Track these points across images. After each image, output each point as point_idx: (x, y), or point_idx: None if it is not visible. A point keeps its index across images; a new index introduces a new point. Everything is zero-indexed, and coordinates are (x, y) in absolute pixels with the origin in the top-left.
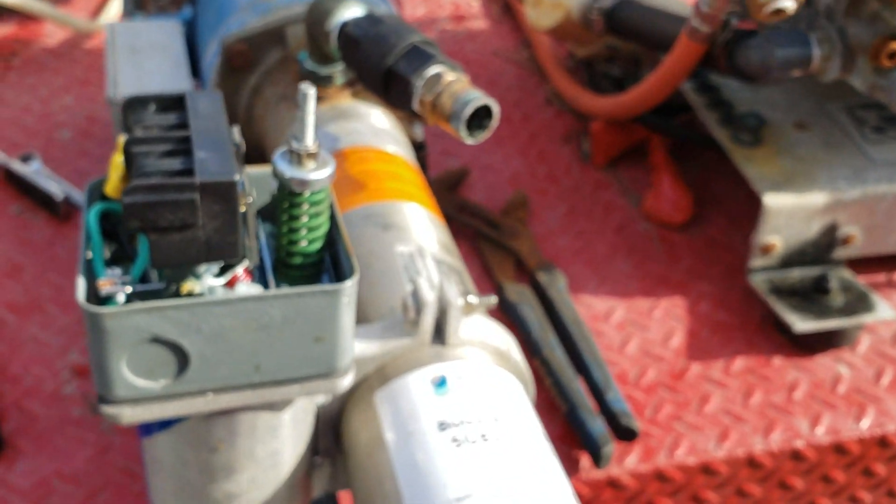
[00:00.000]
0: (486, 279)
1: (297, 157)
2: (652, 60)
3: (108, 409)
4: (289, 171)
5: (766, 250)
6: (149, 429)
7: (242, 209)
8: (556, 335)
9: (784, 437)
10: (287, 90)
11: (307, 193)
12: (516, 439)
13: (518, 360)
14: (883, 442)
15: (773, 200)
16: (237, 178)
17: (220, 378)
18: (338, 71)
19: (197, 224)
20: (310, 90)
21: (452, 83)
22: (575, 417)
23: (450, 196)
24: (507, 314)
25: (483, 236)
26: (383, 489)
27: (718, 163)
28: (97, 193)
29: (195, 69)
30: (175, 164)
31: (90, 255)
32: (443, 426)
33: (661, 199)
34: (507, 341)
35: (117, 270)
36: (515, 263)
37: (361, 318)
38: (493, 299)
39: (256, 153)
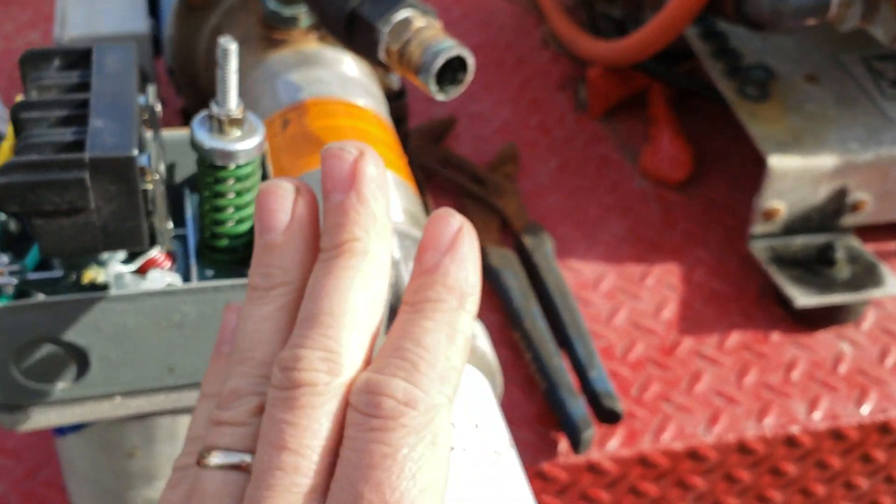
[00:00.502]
0: None
1: (217, 124)
2: (655, 2)
3: (1, 416)
4: (209, 140)
5: (768, 216)
6: (61, 428)
7: (149, 187)
8: (539, 305)
9: (778, 423)
10: (249, 32)
11: (232, 166)
12: (470, 445)
13: (484, 350)
14: (884, 428)
15: (779, 162)
16: (135, 153)
17: (128, 381)
18: (303, 12)
19: (89, 208)
20: (230, 45)
21: (422, 30)
22: (554, 397)
23: (433, 148)
24: (488, 280)
25: (467, 193)
26: None
27: (722, 116)
28: None
29: (153, 8)
30: (67, 134)
31: None
32: None
33: (659, 155)
34: None
35: (4, 258)
36: (501, 224)
37: None
38: None
39: None
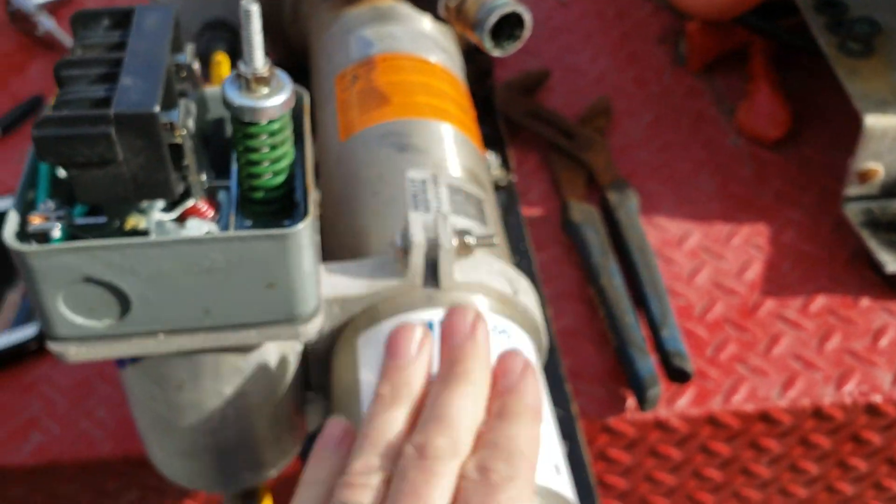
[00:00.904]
0: (554, 196)
1: (245, 83)
2: None
3: (54, 346)
4: (238, 98)
5: (864, 177)
6: (121, 360)
7: (178, 141)
8: (618, 262)
9: (860, 390)
10: None
11: (263, 122)
12: None
13: (527, 306)
14: None
15: (876, 122)
16: (157, 109)
17: (168, 320)
18: None
19: (117, 160)
20: (251, 6)
21: None
22: (624, 354)
23: (524, 101)
24: (569, 236)
25: (555, 147)
26: None
27: (828, 72)
28: None
29: None
30: (100, 91)
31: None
32: None
33: (755, 112)
34: (512, 285)
35: (51, 204)
36: (587, 179)
37: (363, 251)
38: (492, 238)
39: (305, 56)
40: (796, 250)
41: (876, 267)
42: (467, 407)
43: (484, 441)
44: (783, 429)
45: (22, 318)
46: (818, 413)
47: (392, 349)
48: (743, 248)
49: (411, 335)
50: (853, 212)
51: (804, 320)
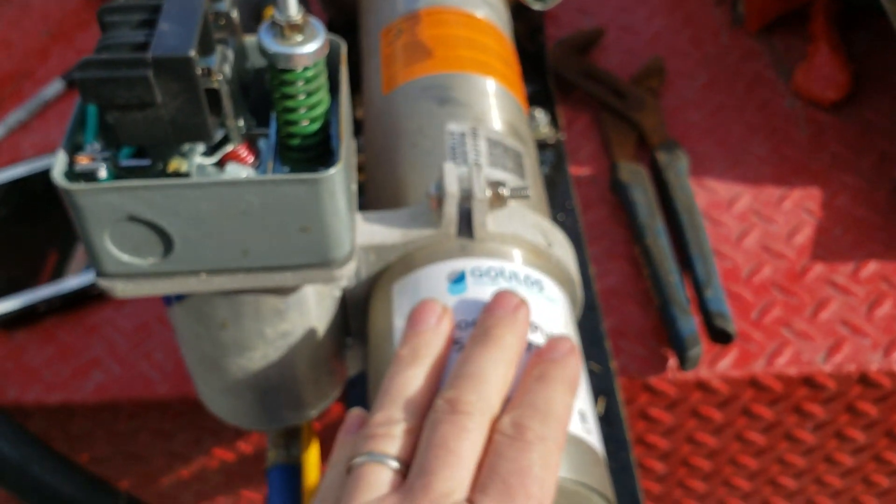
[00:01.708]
0: (604, 156)
1: (280, 30)
2: None
3: (102, 282)
4: (273, 45)
5: None
6: (168, 299)
7: (214, 86)
8: (664, 222)
9: None
10: None
11: (299, 69)
12: (529, 347)
13: (561, 259)
14: None
15: None
16: (192, 53)
17: (209, 260)
18: None
19: (156, 102)
20: None
21: None
22: (666, 314)
23: (577, 60)
24: (617, 196)
25: (606, 106)
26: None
27: (892, 33)
28: None
29: None
30: (140, 36)
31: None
32: None
33: (814, 73)
34: (547, 237)
35: (97, 145)
36: (637, 139)
37: (401, 202)
38: (525, 191)
39: (355, 14)
40: (849, 215)
41: None
42: (498, 368)
43: (520, 401)
44: (828, 394)
45: (90, 265)
46: (864, 379)
47: (413, 320)
48: (794, 212)
49: (432, 308)
50: None
51: (854, 286)
